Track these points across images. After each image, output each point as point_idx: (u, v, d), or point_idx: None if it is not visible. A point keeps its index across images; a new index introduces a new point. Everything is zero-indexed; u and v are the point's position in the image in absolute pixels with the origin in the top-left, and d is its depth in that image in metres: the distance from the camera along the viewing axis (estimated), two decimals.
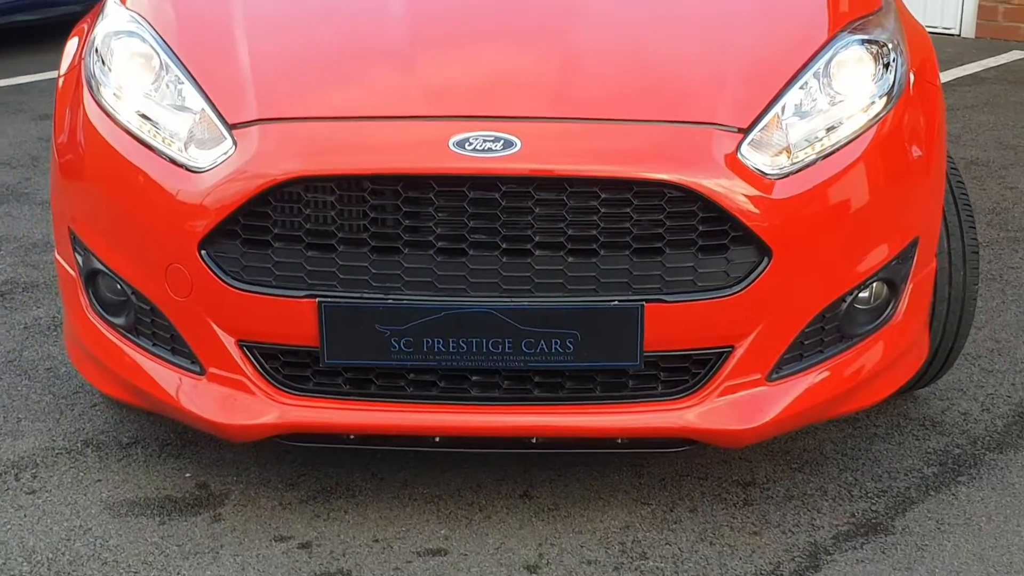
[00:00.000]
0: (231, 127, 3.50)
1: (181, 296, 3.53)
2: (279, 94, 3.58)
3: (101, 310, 3.78)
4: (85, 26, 4.16)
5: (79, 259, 3.79)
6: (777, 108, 3.54)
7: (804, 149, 3.52)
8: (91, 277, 3.78)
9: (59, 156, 3.88)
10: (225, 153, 3.47)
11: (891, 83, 3.72)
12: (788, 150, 3.50)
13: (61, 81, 4.04)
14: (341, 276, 3.42)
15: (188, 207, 3.47)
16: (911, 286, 3.76)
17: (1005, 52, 9.36)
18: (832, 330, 3.62)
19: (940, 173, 3.88)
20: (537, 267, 3.39)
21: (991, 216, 6.04)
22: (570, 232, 3.38)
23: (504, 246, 3.39)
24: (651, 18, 3.85)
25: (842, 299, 3.60)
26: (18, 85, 8.44)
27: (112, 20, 3.91)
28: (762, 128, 3.51)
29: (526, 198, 3.37)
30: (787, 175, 3.48)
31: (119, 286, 3.69)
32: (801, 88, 3.60)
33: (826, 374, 3.62)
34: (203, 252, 3.46)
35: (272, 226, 3.42)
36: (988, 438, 4.11)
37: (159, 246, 3.54)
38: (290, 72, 3.66)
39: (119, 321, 3.75)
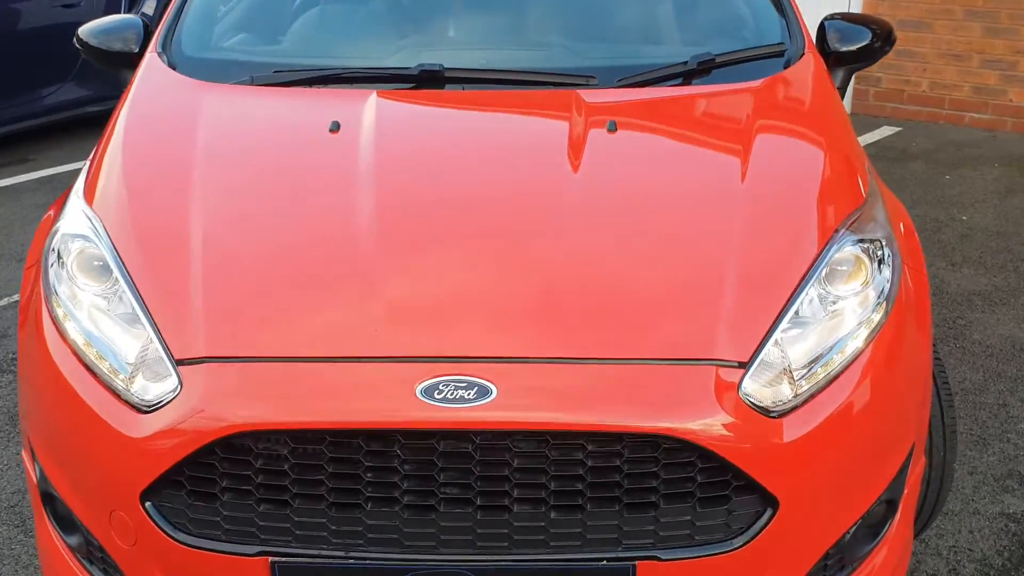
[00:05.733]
0: (177, 363, 2.13)
1: (127, 544, 2.16)
2: (230, 326, 2.17)
3: (56, 526, 2.40)
4: (52, 213, 2.77)
5: (37, 469, 2.43)
6: (778, 333, 2.18)
7: (806, 376, 2.17)
8: (47, 494, 2.41)
9: (21, 342, 2.49)
10: (171, 391, 2.09)
11: (887, 284, 2.36)
12: (790, 377, 2.14)
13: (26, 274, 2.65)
14: (297, 532, 2.05)
15: (129, 452, 2.09)
16: (906, 492, 2.42)
17: (877, 128, 7.99)
18: (835, 563, 2.26)
19: (931, 367, 2.54)
20: (516, 523, 2.03)
21: None
22: (552, 486, 2.02)
23: (479, 501, 2.03)
24: (635, 232, 2.38)
25: (847, 532, 2.26)
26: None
27: (70, 221, 2.50)
28: (763, 358, 2.14)
29: (503, 451, 2.01)
30: (792, 410, 2.12)
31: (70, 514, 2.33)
32: (799, 307, 2.22)
33: None
34: (147, 504, 2.10)
35: (220, 479, 2.06)
36: None
37: (101, 490, 2.17)
38: (244, 299, 2.23)
39: (72, 541, 2.35)
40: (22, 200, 6.19)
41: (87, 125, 7.52)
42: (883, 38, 3.32)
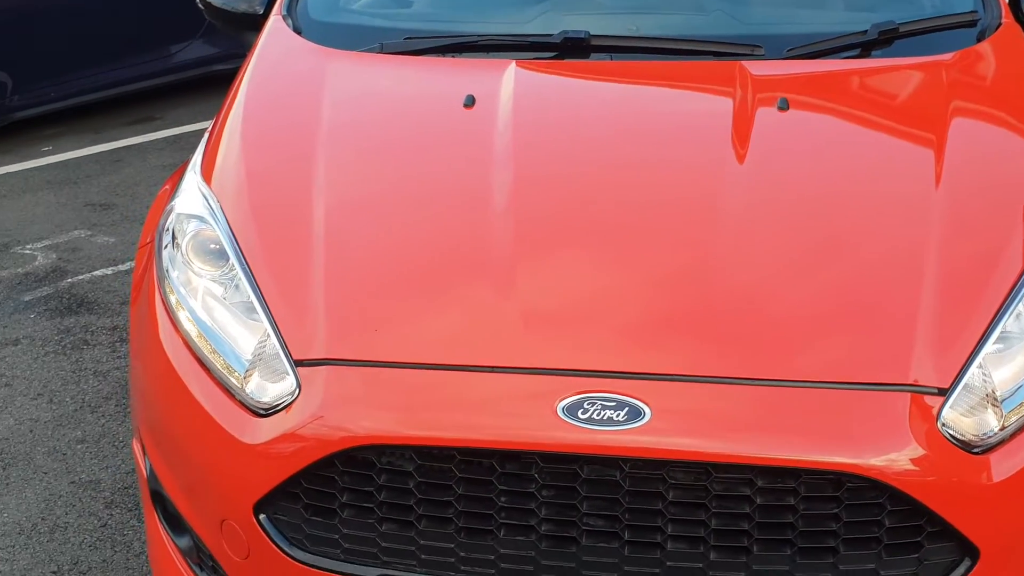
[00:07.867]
0: (296, 363, 1.92)
1: (239, 557, 1.97)
2: (353, 326, 1.95)
3: (166, 525, 2.23)
4: (167, 188, 2.59)
5: (146, 465, 2.26)
6: (983, 352, 1.87)
7: (1013, 405, 1.86)
8: (156, 493, 2.25)
9: (132, 325, 2.32)
10: (291, 395, 1.89)
11: None
12: (995, 405, 1.84)
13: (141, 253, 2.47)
14: (422, 556, 1.84)
15: (243, 459, 1.91)
16: None
17: None
18: None
19: None
20: (669, 563, 1.78)
21: None
22: (713, 524, 1.77)
23: (627, 536, 1.78)
24: (813, 233, 2.07)
25: None
26: None
27: (186, 199, 2.31)
28: (966, 382, 1.84)
29: (656, 481, 1.76)
30: (997, 444, 1.82)
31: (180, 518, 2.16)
32: (1007, 320, 1.91)
33: None
34: (260, 516, 1.91)
35: (340, 493, 1.85)
36: None
37: (212, 497, 1.99)
38: (369, 296, 2.00)
39: (182, 543, 2.18)
40: (148, 160, 6.12)
41: (214, 84, 7.39)
42: None
